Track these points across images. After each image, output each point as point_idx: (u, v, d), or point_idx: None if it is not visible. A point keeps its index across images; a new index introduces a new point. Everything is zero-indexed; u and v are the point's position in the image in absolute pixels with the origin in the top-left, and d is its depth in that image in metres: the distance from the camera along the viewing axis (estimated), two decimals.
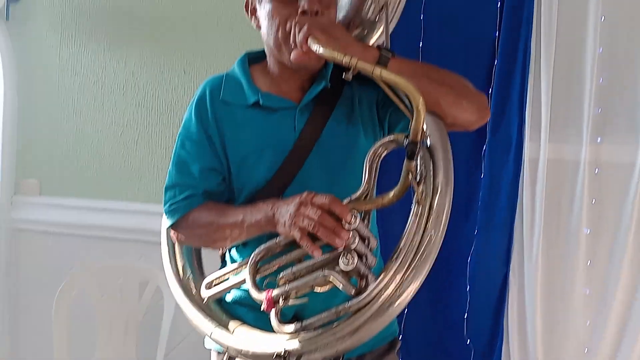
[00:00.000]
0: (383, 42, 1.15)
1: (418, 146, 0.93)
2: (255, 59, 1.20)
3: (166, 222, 1.18)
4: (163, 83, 2.32)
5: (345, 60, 0.93)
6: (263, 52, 1.18)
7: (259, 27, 1.12)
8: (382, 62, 1.01)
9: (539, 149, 1.74)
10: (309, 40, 0.98)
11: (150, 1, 2.33)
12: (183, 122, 1.19)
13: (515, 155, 1.75)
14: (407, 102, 1.01)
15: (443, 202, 0.97)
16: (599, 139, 1.70)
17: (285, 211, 0.98)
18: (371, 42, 1.25)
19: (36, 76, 2.52)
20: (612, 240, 1.74)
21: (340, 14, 1.20)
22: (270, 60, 1.15)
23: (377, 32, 1.24)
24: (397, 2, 1.21)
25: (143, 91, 2.35)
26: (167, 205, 1.16)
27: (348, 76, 0.95)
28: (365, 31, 1.23)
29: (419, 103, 0.89)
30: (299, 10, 1.03)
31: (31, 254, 2.52)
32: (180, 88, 2.31)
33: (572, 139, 1.73)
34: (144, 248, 2.27)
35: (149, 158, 2.35)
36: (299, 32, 1.00)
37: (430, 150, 1.01)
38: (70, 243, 2.43)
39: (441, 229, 0.96)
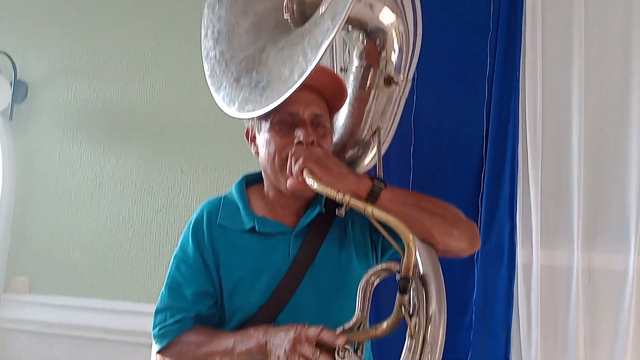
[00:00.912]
0: (375, 171, 1.19)
1: (410, 281, 0.94)
2: (252, 181, 1.23)
3: (155, 345, 1.16)
4: (160, 182, 2.36)
5: (338, 197, 0.96)
6: (260, 174, 1.21)
7: (257, 153, 1.17)
8: (374, 193, 1.04)
9: (531, 256, 1.75)
10: (304, 173, 1.01)
11: (149, 103, 2.41)
12: (180, 242, 1.20)
13: (509, 262, 1.76)
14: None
15: (437, 332, 0.97)
16: (590, 246, 1.72)
17: (279, 343, 0.97)
18: (366, 161, 1.30)
19: (35, 174, 2.56)
20: (610, 346, 1.72)
21: (336, 136, 1.26)
22: (267, 184, 1.18)
23: (371, 152, 1.29)
24: (389, 126, 1.27)
25: (140, 189, 2.38)
26: (157, 328, 1.15)
27: (341, 212, 0.98)
28: (360, 152, 1.29)
29: (410, 241, 0.92)
30: (295, 141, 1.08)
31: (19, 356, 2.45)
32: (176, 187, 2.35)
33: (564, 245, 1.75)
34: (135, 350, 2.22)
35: (142, 257, 2.34)
36: (295, 163, 1.04)
37: (422, 279, 1.02)
38: (59, 344, 2.37)
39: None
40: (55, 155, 2.54)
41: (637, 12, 1.73)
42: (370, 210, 0.94)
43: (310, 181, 0.99)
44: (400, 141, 1.82)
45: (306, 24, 1.03)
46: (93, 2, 2.54)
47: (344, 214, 0.99)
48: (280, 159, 1.09)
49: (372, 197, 1.03)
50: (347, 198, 0.95)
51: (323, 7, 1.02)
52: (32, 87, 2.61)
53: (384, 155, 1.27)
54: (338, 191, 0.96)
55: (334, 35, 0.85)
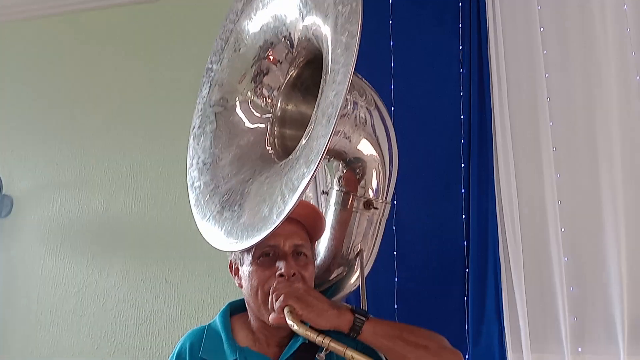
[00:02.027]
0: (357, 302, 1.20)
1: None
2: (237, 308, 1.23)
3: None
4: (144, 292, 2.33)
5: (317, 340, 0.97)
6: (244, 301, 1.22)
7: (240, 286, 1.17)
8: (356, 328, 1.04)
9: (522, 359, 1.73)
10: (285, 311, 1.01)
11: (134, 213, 2.44)
12: None
13: None
14: None
15: None
16: (579, 348, 1.71)
17: None
18: (352, 280, 1.30)
19: (17, 288, 2.51)
20: None
21: (320, 258, 1.28)
22: (250, 315, 1.18)
23: (355, 273, 1.31)
24: (372, 247, 1.29)
25: (123, 302, 2.35)
26: None
27: (321, 356, 0.99)
28: (345, 272, 1.30)
29: None
30: (277, 273, 1.09)
31: None
32: (161, 297, 2.32)
33: (554, 348, 1.74)
34: None
35: None
36: (276, 300, 1.04)
37: None
38: None
39: None
40: (38, 270, 2.51)
41: (599, 115, 1.84)
42: (350, 355, 0.95)
43: (290, 322, 0.99)
44: (385, 247, 1.86)
45: (284, 161, 1.09)
46: (78, 117, 2.63)
47: (324, 357, 0.99)
48: (263, 293, 1.10)
49: (354, 332, 1.04)
50: (326, 341, 0.96)
51: (304, 140, 1.08)
52: (17, 201, 2.62)
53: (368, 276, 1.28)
54: (317, 334, 0.97)
55: (310, 179, 0.90)
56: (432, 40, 1.99)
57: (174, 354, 1.19)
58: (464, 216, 1.90)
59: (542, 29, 1.84)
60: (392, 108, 1.97)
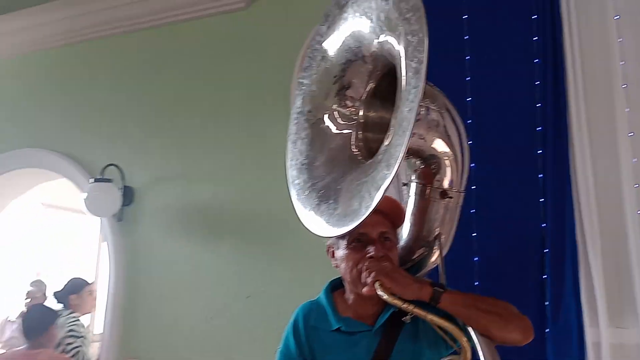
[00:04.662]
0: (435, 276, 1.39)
1: None
2: (336, 285, 1.47)
3: None
4: (249, 272, 2.65)
5: (403, 307, 1.18)
6: (341, 279, 1.45)
7: (337, 266, 1.41)
8: (435, 298, 1.24)
9: (599, 334, 1.83)
10: (376, 285, 1.24)
11: (237, 202, 2.75)
12: (283, 340, 1.43)
13: (578, 341, 1.84)
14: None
15: None
16: None
17: None
18: (432, 259, 1.48)
19: (141, 267, 2.93)
20: None
21: (403, 242, 1.47)
22: (347, 290, 1.42)
23: (435, 253, 1.49)
24: (449, 231, 1.47)
25: (232, 279, 2.68)
26: None
27: (407, 319, 1.19)
28: (426, 252, 1.49)
29: (463, 342, 1.12)
30: (367, 255, 1.31)
31: None
32: (264, 275, 2.62)
33: (630, 323, 1.82)
34: None
35: (236, 340, 2.60)
36: (369, 276, 1.27)
37: None
38: None
39: None
40: (158, 251, 2.91)
41: None
42: (430, 318, 1.15)
43: (381, 293, 1.21)
44: (465, 230, 2.01)
45: (369, 162, 1.29)
46: (186, 117, 2.98)
47: (409, 320, 1.20)
48: (357, 272, 1.32)
49: (433, 301, 1.23)
50: (410, 307, 1.17)
51: (385, 143, 1.28)
52: (137, 191, 3.03)
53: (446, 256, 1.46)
54: (403, 302, 1.18)
55: (390, 180, 1.10)
56: (506, 32, 2.08)
57: (290, 323, 1.44)
58: (542, 200, 2.00)
59: (617, 17, 1.88)
60: (469, 99, 2.10)
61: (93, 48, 3.35)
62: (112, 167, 2.99)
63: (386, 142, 1.26)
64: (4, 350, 4.17)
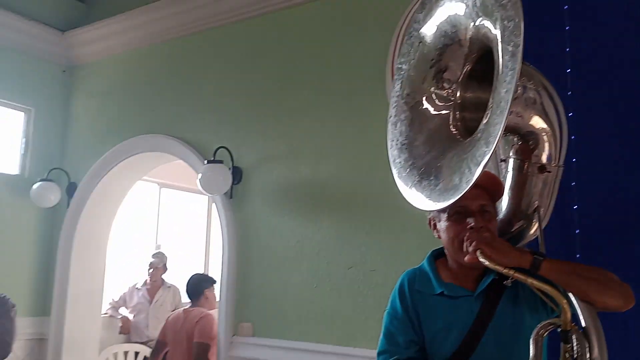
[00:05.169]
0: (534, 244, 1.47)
1: (568, 334, 1.21)
2: (438, 254, 1.59)
3: None
4: (349, 244, 2.83)
5: (504, 272, 1.27)
6: (442, 249, 1.56)
7: (439, 237, 1.52)
8: (535, 265, 1.32)
9: None
10: (477, 253, 1.34)
11: (336, 179, 2.93)
12: (390, 302, 1.57)
13: None
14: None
15: None
16: None
17: None
18: (531, 231, 1.56)
19: (251, 240, 3.21)
20: None
21: (502, 214, 1.55)
22: (449, 258, 1.53)
23: (534, 225, 1.56)
24: (547, 204, 1.53)
25: (333, 251, 2.87)
26: None
27: (508, 282, 1.29)
28: (525, 225, 1.56)
29: (563, 304, 1.20)
30: (468, 226, 1.41)
31: None
32: (363, 247, 2.78)
33: None
34: None
35: (338, 307, 2.80)
36: (470, 245, 1.38)
37: (584, 332, 1.27)
38: None
39: None
40: (265, 225, 3.16)
41: None
42: (531, 282, 1.23)
43: (482, 260, 1.31)
44: (566, 202, 2.02)
45: (468, 140, 1.38)
46: (289, 101, 3.19)
47: (510, 284, 1.29)
48: (458, 242, 1.43)
49: (533, 268, 1.31)
50: (511, 272, 1.26)
51: (483, 121, 1.36)
52: (245, 171, 3.30)
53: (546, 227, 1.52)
54: (504, 267, 1.27)
55: (489, 156, 1.19)
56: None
57: (397, 287, 1.57)
58: None
59: None
60: (568, 70, 2.08)
61: (202, 39, 3.65)
62: (222, 149, 3.27)
63: (484, 121, 1.34)
64: (133, 315, 4.71)
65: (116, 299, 4.80)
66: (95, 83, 4.22)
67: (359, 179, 2.86)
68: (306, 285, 2.94)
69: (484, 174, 1.39)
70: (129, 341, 4.63)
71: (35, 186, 3.89)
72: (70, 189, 4.05)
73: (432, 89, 1.54)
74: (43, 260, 4.07)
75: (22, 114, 4.15)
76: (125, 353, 4.46)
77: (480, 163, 1.23)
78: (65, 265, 3.95)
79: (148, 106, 3.84)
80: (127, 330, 4.68)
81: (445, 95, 1.54)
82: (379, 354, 1.53)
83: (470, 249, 1.37)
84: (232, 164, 3.29)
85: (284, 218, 3.09)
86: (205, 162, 3.22)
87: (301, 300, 2.94)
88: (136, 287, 4.80)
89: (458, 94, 1.53)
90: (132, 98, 3.95)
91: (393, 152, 1.59)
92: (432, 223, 1.55)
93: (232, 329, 3.17)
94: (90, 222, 4.04)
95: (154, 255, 4.84)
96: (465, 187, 1.26)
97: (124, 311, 4.76)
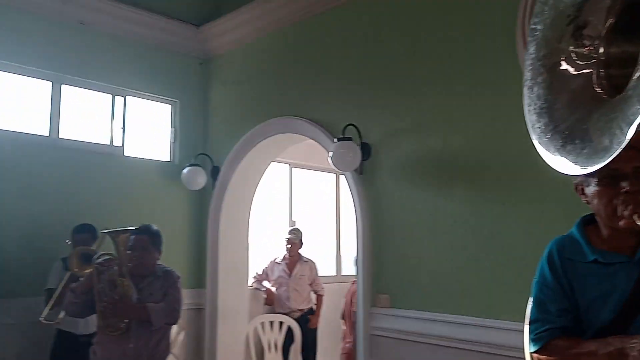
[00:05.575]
0: None
1: None
2: (587, 221, 1.52)
3: (530, 347, 1.52)
4: (485, 214, 2.77)
5: None
6: (592, 215, 1.49)
7: (587, 202, 1.45)
8: None
9: None
10: (634, 217, 1.28)
11: (468, 149, 2.87)
12: (538, 270, 1.54)
13: None
14: None
15: None
16: None
17: (634, 346, 1.24)
18: None
19: (383, 213, 3.27)
20: None
21: None
22: (601, 224, 1.46)
23: None
24: None
25: (468, 223, 2.83)
26: (532, 334, 1.50)
27: None
28: None
29: None
30: (622, 190, 1.34)
31: (385, 356, 3.15)
32: (499, 218, 2.71)
33: None
34: (481, 357, 2.64)
35: (475, 279, 2.77)
36: (625, 209, 1.31)
37: None
38: (415, 348, 2.97)
39: None
40: (397, 198, 3.20)
41: None
42: None
43: None
44: None
45: (618, 97, 1.29)
46: (413, 73, 3.17)
47: None
48: (611, 207, 1.36)
49: None
50: None
51: (636, 74, 1.26)
52: (374, 147, 3.35)
53: None
54: None
55: None
56: None
57: (545, 256, 1.52)
58: None
59: None
60: None
61: (321, 21, 3.75)
62: (350, 126, 3.36)
63: (635, 76, 1.24)
64: (275, 287, 5.05)
65: (260, 272, 5.17)
66: (229, 72, 4.53)
67: (491, 147, 2.77)
68: (442, 257, 2.94)
69: (637, 133, 1.30)
70: (272, 312, 4.98)
71: (185, 171, 4.31)
72: (214, 172, 4.43)
73: (571, 47, 1.46)
74: (195, 238, 4.52)
75: (169, 106, 4.60)
76: (271, 323, 4.82)
77: (633, 122, 1.15)
78: (215, 241, 4.36)
79: (278, 90, 4.04)
80: (271, 302, 5.04)
81: (586, 53, 1.44)
82: (531, 323, 1.51)
83: (626, 213, 1.30)
84: (360, 141, 3.36)
85: (415, 191, 3.11)
86: (335, 140, 3.33)
87: (438, 272, 2.95)
88: (276, 261, 5.13)
89: (601, 50, 1.43)
90: (262, 83, 4.19)
91: (531, 117, 1.54)
92: (579, 188, 1.48)
93: (370, 301, 3.28)
94: (233, 202, 4.40)
95: (290, 232, 5.11)
96: (617, 149, 1.19)
97: (266, 284, 5.12)
